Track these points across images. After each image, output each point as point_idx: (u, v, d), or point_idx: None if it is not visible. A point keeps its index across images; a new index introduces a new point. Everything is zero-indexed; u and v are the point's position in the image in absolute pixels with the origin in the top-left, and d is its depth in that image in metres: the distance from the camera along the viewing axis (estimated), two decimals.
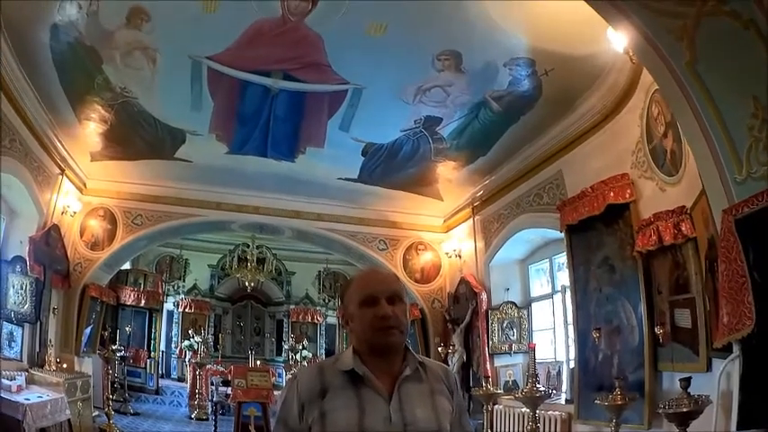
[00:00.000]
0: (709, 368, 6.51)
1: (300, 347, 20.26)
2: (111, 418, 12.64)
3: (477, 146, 11.88)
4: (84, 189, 13.44)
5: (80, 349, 13.19)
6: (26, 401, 8.94)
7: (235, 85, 10.61)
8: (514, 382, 12.09)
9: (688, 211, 6.92)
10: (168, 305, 20.01)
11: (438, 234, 15.62)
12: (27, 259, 10.79)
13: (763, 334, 4.45)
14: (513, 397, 10.11)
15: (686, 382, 6.15)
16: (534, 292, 12.97)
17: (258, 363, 18.06)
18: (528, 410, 9.39)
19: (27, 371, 10.61)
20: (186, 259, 20.63)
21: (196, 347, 18.22)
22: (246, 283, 18.73)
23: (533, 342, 11.41)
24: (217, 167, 13.08)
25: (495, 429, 10.87)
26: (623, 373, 8.01)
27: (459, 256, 14.56)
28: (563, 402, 10.32)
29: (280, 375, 19.58)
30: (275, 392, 12.91)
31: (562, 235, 10.20)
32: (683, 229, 6.96)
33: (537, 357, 9.66)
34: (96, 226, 13.51)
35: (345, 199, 14.59)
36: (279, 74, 10.41)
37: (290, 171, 13.17)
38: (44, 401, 9.45)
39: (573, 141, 10.29)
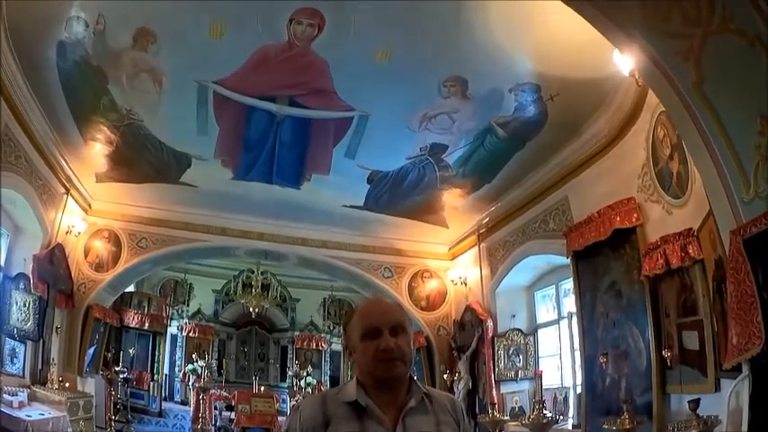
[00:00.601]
0: (717, 389, 6.39)
1: (305, 374, 19.94)
2: None
3: (483, 173, 11.72)
4: (89, 210, 13.21)
5: (83, 369, 12.93)
6: (28, 418, 8.79)
7: (240, 110, 10.48)
8: (521, 408, 11.88)
9: (695, 233, 6.82)
10: (172, 329, 19.74)
11: (444, 261, 15.39)
12: (31, 277, 10.64)
13: None
14: (519, 423, 9.82)
15: (695, 404, 6.12)
16: (540, 319, 12.73)
17: (262, 388, 17.89)
18: None
19: (29, 387, 10.39)
20: (191, 284, 20.37)
21: (200, 372, 17.87)
22: (251, 309, 18.52)
23: (540, 369, 11.11)
24: (222, 193, 12.88)
25: None
26: (631, 397, 7.86)
27: (465, 284, 14.30)
28: (570, 428, 10.18)
29: (284, 401, 19.30)
30: (279, 418, 12.66)
31: (568, 261, 10.06)
32: (691, 251, 6.85)
33: (543, 383, 9.46)
34: (101, 247, 13.29)
35: (351, 226, 14.39)
36: (284, 100, 10.30)
37: (296, 198, 12.97)
38: (46, 419, 9.30)
39: (579, 166, 10.17)
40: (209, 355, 19.52)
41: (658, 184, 7.88)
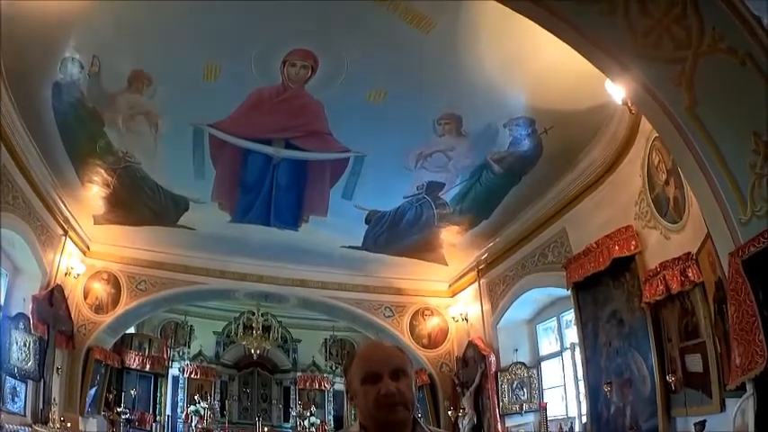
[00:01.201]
0: (722, 408, 6.32)
1: (308, 414, 19.63)
2: None
3: (481, 209, 11.62)
4: (88, 251, 12.93)
5: (84, 409, 12.66)
6: None
7: (237, 153, 10.44)
8: None
9: (694, 257, 6.78)
10: (173, 370, 19.32)
11: (444, 299, 15.14)
12: (30, 317, 10.50)
13: None
14: None
15: (701, 426, 6.26)
16: (543, 351, 12.54)
17: (266, 429, 17.58)
18: None
19: (31, 427, 10.22)
20: (191, 325, 19.98)
21: (202, 413, 17.65)
22: (252, 351, 18.23)
23: (544, 401, 11.37)
24: (220, 235, 12.70)
25: None
26: (636, 423, 7.86)
27: (466, 320, 14.10)
28: None
29: None
30: None
31: (569, 292, 9.98)
32: (690, 275, 6.81)
33: (549, 414, 9.56)
34: (100, 289, 13.01)
35: (350, 267, 14.19)
36: (281, 142, 10.28)
37: (294, 240, 12.80)
38: None
39: (575, 198, 10.08)
40: (211, 396, 19.12)
41: (655, 211, 7.83)
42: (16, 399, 10.19)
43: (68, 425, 11.32)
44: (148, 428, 17.29)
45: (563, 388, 11.52)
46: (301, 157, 10.55)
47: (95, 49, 8.16)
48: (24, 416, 10.41)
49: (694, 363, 6.86)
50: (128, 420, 15.11)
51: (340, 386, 20.80)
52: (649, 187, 7.91)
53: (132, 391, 16.36)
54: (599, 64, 5.59)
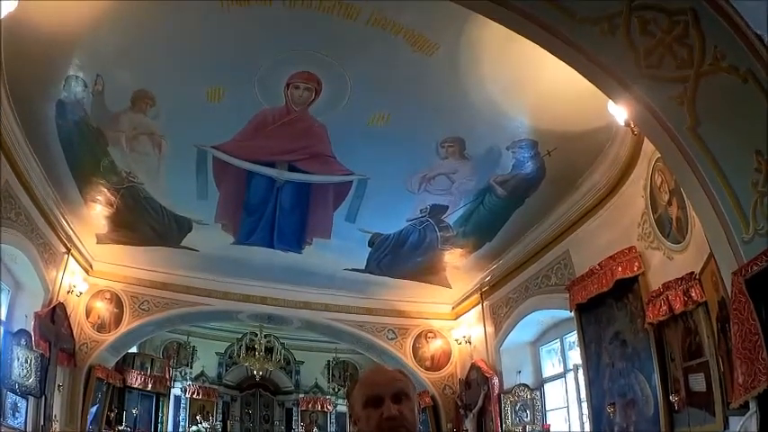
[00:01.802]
0: (726, 427, 6.24)
1: None
2: None
3: (484, 232, 11.53)
4: (91, 270, 12.82)
5: (86, 427, 12.54)
6: None
7: (240, 175, 10.34)
8: None
9: (697, 277, 6.71)
10: (175, 390, 19.20)
11: (447, 321, 15.06)
12: (32, 334, 10.40)
13: None
14: None
15: None
16: (546, 373, 12.45)
17: None
18: None
19: None
20: (194, 346, 19.88)
21: None
22: (255, 372, 18.09)
23: (548, 422, 11.42)
24: (224, 257, 12.59)
25: None
26: None
27: (470, 342, 14.04)
28: None
29: None
30: None
31: (572, 314, 9.89)
32: (693, 294, 6.75)
33: None
34: (103, 308, 12.91)
35: (353, 289, 14.12)
36: (284, 165, 10.19)
37: (298, 262, 12.70)
38: None
39: (578, 220, 10.01)
40: (213, 416, 19.04)
41: (658, 231, 7.77)
42: (17, 414, 10.13)
43: None
44: None
45: (566, 409, 11.44)
46: (305, 180, 10.45)
47: (99, 68, 8.07)
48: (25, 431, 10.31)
49: (698, 382, 6.83)
50: None
51: (342, 408, 20.72)
52: (652, 208, 7.86)
53: (134, 411, 16.30)
54: (601, 84, 5.51)
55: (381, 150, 9.54)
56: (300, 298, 14.35)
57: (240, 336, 19.16)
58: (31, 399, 10.52)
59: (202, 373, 19.87)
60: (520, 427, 11.94)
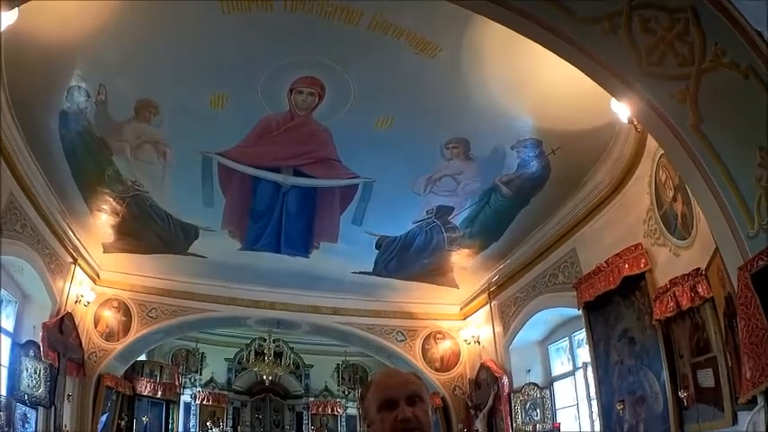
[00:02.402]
0: (735, 422, 6.26)
1: None
2: None
3: (490, 232, 11.51)
4: (98, 279, 12.88)
5: None
6: None
7: (246, 181, 10.33)
8: None
9: (703, 272, 6.72)
10: (185, 397, 19.24)
11: (456, 322, 15.06)
12: (41, 345, 10.41)
13: None
14: None
15: None
16: (555, 371, 12.47)
17: None
18: None
19: None
20: (203, 352, 19.93)
21: None
22: (264, 377, 18.11)
23: (558, 421, 11.41)
24: (231, 263, 12.61)
25: None
26: None
27: (479, 342, 14.05)
28: None
29: None
30: None
31: (580, 312, 9.90)
32: (700, 290, 6.75)
33: None
34: (110, 317, 12.96)
35: (361, 292, 14.13)
36: (289, 170, 10.18)
37: (305, 266, 12.70)
38: None
39: (584, 218, 10.01)
40: (223, 422, 19.11)
41: (664, 228, 7.76)
42: (27, 425, 10.15)
43: None
44: None
45: (576, 407, 11.45)
46: (310, 185, 10.43)
47: (102, 77, 8.08)
48: None
49: (706, 378, 6.83)
50: None
51: (353, 411, 20.74)
52: (657, 204, 7.86)
53: (144, 418, 16.35)
54: (603, 83, 5.53)
55: (386, 153, 9.53)
56: (308, 302, 14.37)
57: (249, 341, 19.20)
58: (41, 409, 10.55)
59: (212, 380, 19.93)
60: (530, 426, 11.94)
